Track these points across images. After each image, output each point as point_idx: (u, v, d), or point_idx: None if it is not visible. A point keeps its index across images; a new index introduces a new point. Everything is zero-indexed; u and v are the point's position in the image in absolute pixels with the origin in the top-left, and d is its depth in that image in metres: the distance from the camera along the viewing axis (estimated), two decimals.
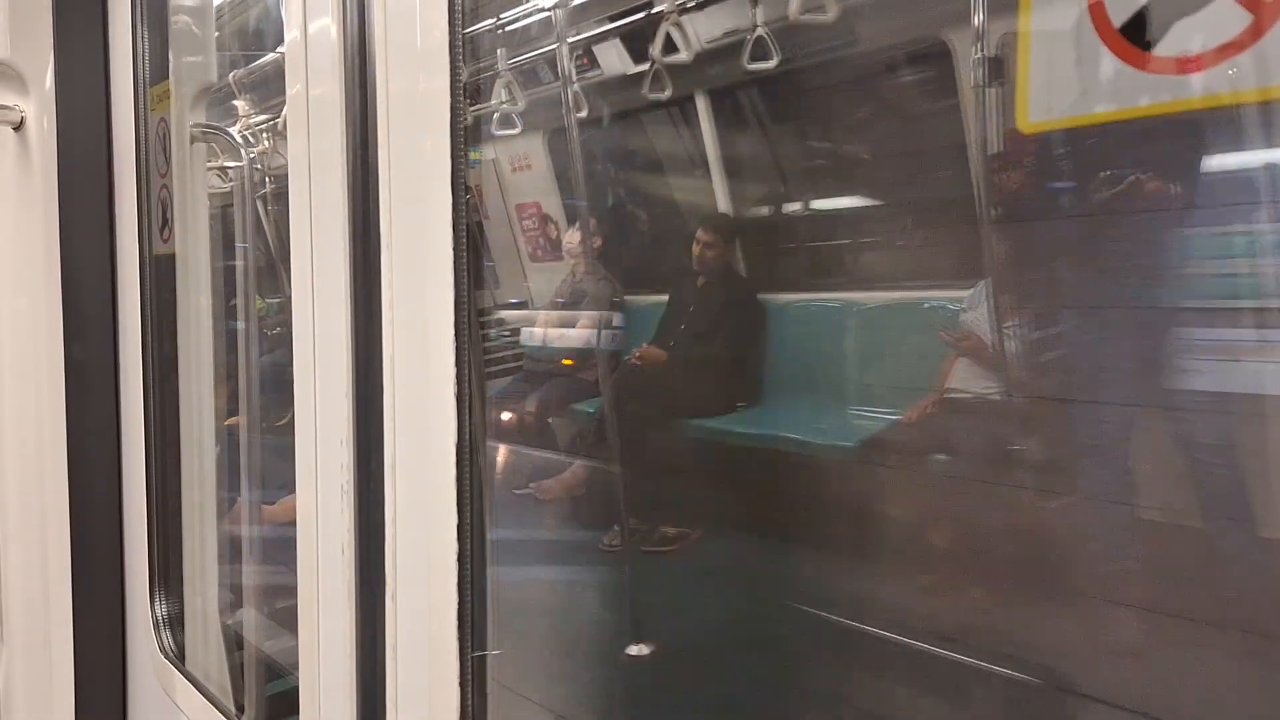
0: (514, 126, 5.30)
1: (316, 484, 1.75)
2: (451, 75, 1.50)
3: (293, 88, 1.77)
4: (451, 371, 1.48)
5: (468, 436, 1.50)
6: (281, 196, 1.74)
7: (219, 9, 3.12)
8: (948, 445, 3.95)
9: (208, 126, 2.60)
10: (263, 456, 2.66)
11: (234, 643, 2.65)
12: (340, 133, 1.65)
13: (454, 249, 1.49)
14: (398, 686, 1.61)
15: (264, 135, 5.09)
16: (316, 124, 1.71)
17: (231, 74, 4.77)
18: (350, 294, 1.65)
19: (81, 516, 2.59)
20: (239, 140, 2.79)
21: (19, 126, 2.56)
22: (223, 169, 2.82)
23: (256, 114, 5.12)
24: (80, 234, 2.55)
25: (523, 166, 6.57)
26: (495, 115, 5.24)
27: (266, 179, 5.10)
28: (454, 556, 1.50)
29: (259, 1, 4.14)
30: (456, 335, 1.49)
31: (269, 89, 4.97)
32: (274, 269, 3.96)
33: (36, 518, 2.58)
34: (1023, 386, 3.73)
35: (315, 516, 1.75)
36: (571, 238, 6.14)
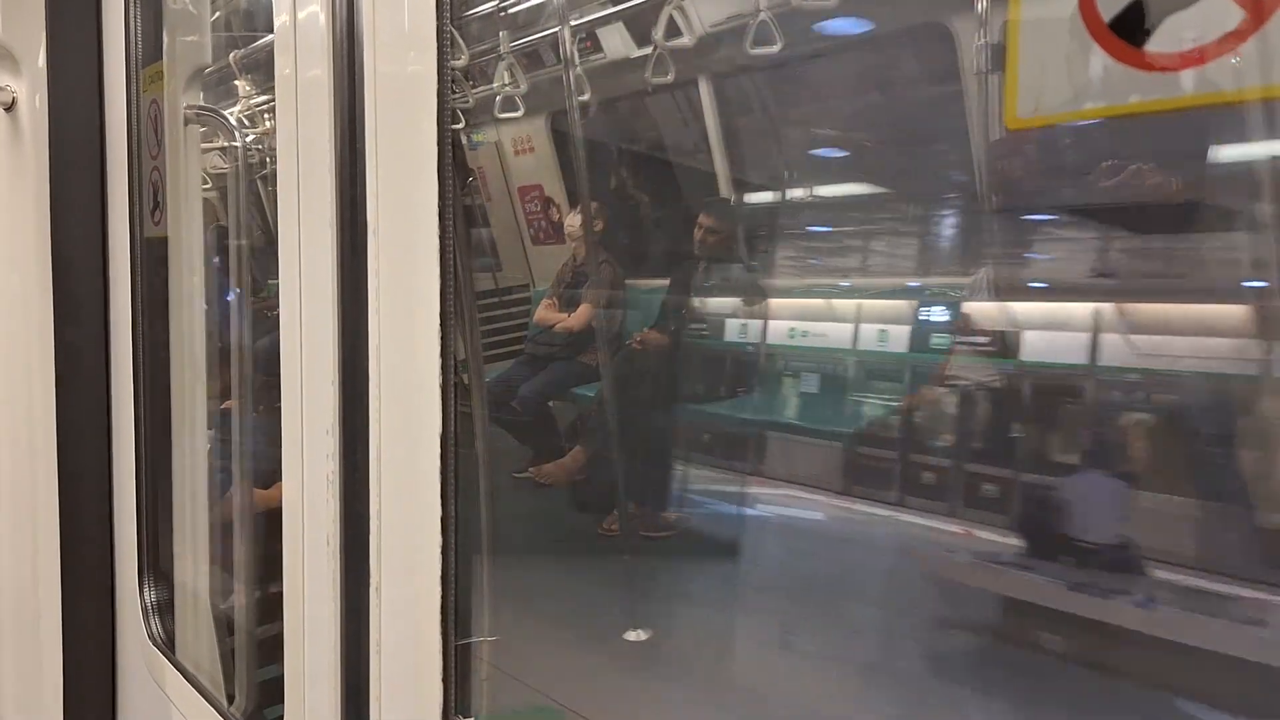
0: (516, 109, 5.27)
1: (302, 473, 1.73)
2: (439, 59, 1.48)
3: (282, 71, 1.75)
4: (437, 361, 1.46)
5: (453, 427, 1.48)
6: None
7: None
8: None
9: (201, 108, 2.57)
10: (256, 440, 2.64)
11: (225, 628, 2.63)
12: (328, 117, 1.62)
13: (440, 236, 1.46)
14: (381, 678, 1.59)
15: (264, 116, 5.06)
16: (305, 108, 1.69)
17: (231, 54, 4.74)
18: (337, 280, 1.63)
19: (71, 501, 2.57)
20: (233, 122, 2.76)
21: (10, 106, 2.53)
22: (224, 150, 2.80)
23: (258, 94, 5.10)
24: (71, 216, 2.53)
25: (525, 149, 6.54)
26: (497, 98, 5.21)
27: (267, 160, 5.07)
28: (438, 549, 1.48)
29: None
30: (443, 324, 1.47)
31: (270, 69, 4.93)
32: (272, 250, 3.93)
33: (26, 502, 2.57)
34: None
35: (301, 506, 1.74)
36: (573, 220, 6.10)
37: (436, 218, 1.46)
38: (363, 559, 1.60)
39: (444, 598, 1.49)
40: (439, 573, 1.49)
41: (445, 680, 1.51)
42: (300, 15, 1.70)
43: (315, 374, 1.68)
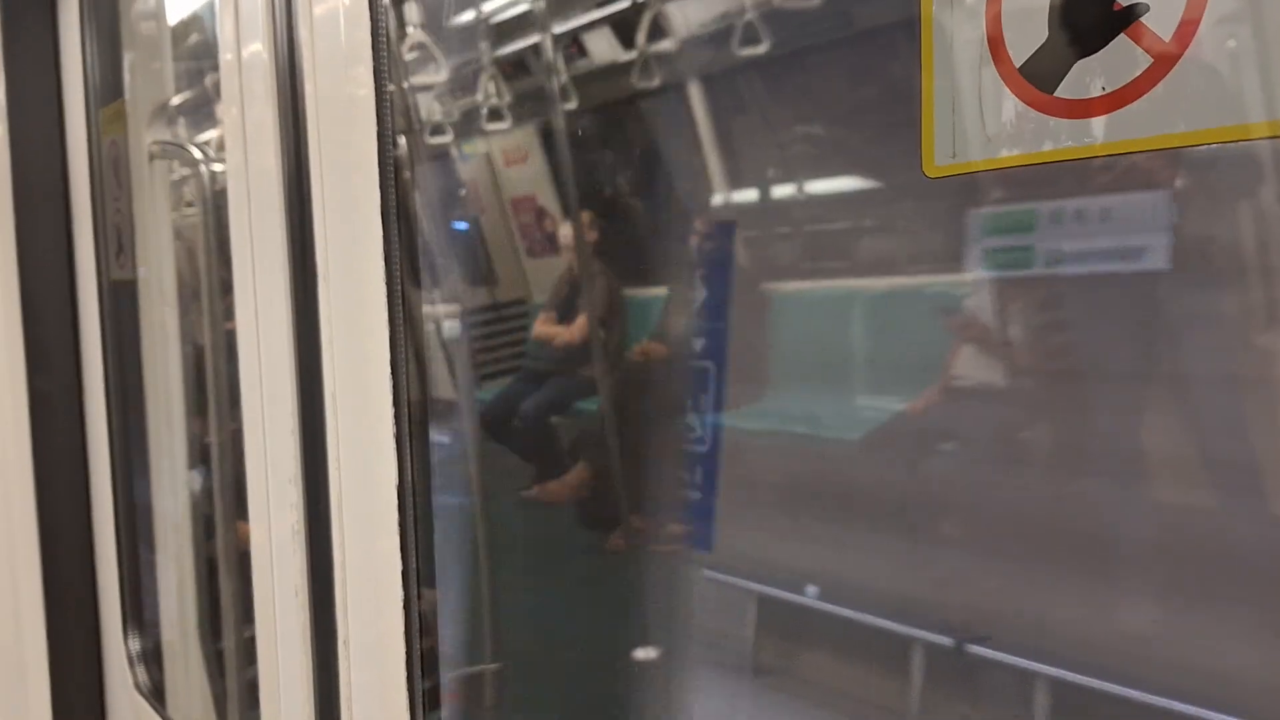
0: (502, 120, 5.21)
1: (269, 523, 1.69)
2: (376, 81, 1.42)
3: (228, 109, 1.72)
4: (389, 412, 1.41)
5: (409, 479, 1.42)
6: None
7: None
8: None
9: (166, 143, 2.53)
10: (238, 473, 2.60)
11: (216, 670, 2.59)
12: (275, 152, 1.58)
13: (388, 280, 1.41)
14: None
15: None
16: (253, 145, 1.65)
17: (208, 79, 4.68)
18: (292, 325, 1.59)
19: (52, 551, 2.54)
20: (198, 155, 2.71)
21: None
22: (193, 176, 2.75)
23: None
24: (38, 262, 2.49)
25: (517, 160, 6.46)
26: (484, 111, 5.15)
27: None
28: (400, 603, 1.43)
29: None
30: (394, 374, 1.41)
31: None
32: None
33: (6, 554, 2.53)
34: None
35: (269, 557, 1.69)
36: (565, 231, 6.02)
37: (383, 263, 1.40)
38: (330, 612, 1.56)
39: (408, 651, 1.44)
40: (402, 627, 1.44)
41: None
42: (244, 53, 1.66)
43: (275, 421, 1.64)
